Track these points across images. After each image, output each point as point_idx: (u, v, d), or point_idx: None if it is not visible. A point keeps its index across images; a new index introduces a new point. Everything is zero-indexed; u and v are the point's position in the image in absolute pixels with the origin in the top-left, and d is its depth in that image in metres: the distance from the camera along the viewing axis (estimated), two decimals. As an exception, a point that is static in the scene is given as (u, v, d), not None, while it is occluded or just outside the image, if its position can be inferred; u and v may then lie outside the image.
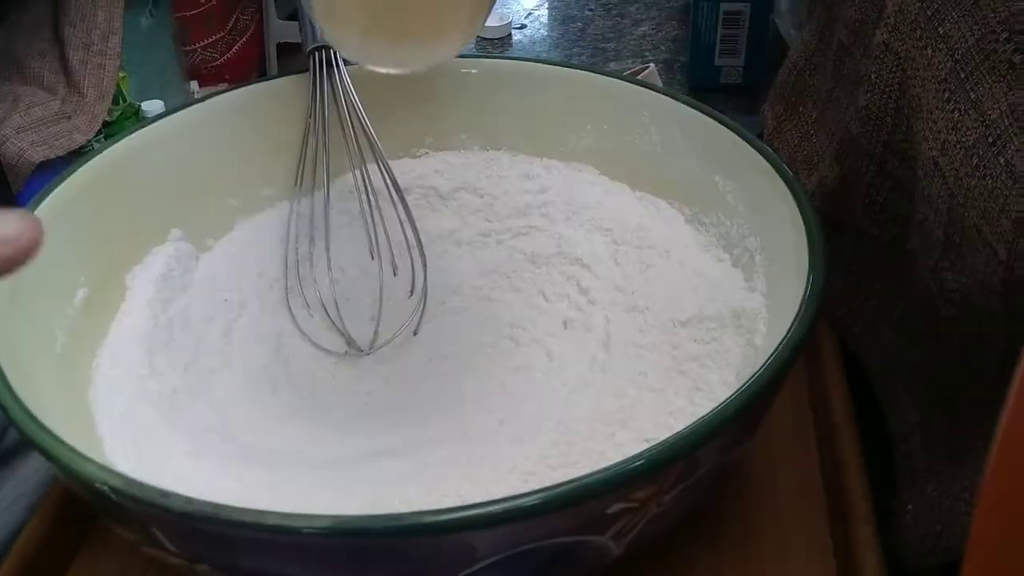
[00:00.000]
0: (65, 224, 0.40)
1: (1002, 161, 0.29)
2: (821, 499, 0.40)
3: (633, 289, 0.45)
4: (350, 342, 0.46)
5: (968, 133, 0.31)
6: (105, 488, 0.28)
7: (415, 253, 0.48)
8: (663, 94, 0.47)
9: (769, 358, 0.31)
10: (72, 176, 0.41)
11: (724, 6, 0.80)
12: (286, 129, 0.49)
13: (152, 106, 0.62)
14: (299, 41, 0.50)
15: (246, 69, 0.76)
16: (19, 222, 0.24)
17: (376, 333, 0.46)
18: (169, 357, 0.42)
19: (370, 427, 0.41)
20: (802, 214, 0.37)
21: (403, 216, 0.48)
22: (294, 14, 0.78)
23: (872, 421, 0.42)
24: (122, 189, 0.43)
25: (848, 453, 0.39)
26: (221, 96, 0.49)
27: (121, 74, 0.58)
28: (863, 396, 0.42)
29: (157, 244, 0.45)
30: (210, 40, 0.72)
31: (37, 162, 0.53)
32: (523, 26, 0.95)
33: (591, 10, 1.01)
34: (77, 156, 0.54)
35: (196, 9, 0.70)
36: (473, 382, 0.44)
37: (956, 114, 0.32)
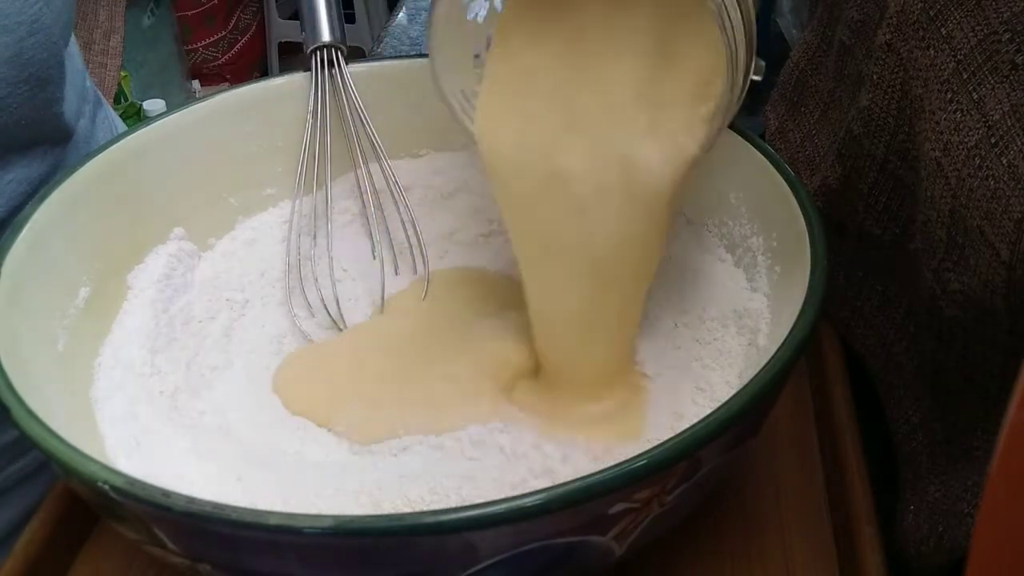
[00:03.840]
0: (67, 223, 0.40)
1: (1004, 162, 0.29)
2: (823, 500, 0.40)
3: (635, 289, 0.45)
4: (352, 342, 0.46)
5: (970, 134, 0.31)
6: (107, 487, 0.28)
7: (417, 253, 0.48)
8: (665, 94, 0.47)
9: (771, 358, 0.31)
10: (74, 175, 0.41)
11: (726, 6, 0.80)
12: (287, 128, 0.49)
13: (154, 105, 0.63)
14: (300, 40, 0.50)
15: (247, 68, 0.76)
16: None
17: (378, 333, 0.46)
18: (170, 356, 0.42)
19: (372, 427, 0.41)
20: (804, 214, 0.37)
21: (404, 216, 0.48)
22: (295, 14, 0.78)
23: (874, 422, 0.42)
24: (124, 188, 0.43)
25: (850, 454, 0.39)
26: (223, 95, 0.48)
27: (123, 73, 0.58)
28: (865, 397, 0.42)
29: (159, 243, 0.45)
30: (211, 39, 0.72)
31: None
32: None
33: (592, 10, 1.01)
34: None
35: (198, 8, 0.70)
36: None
37: (958, 115, 0.32)
